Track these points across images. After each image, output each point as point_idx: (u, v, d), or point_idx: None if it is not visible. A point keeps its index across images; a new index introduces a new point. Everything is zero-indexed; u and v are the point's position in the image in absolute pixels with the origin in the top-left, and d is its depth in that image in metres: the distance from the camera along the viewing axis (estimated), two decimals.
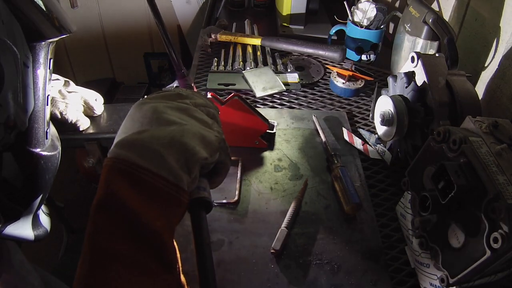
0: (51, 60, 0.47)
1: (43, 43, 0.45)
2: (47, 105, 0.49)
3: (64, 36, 0.47)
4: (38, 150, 0.48)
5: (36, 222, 0.53)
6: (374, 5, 1.11)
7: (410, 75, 0.76)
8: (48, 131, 0.50)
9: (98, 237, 0.36)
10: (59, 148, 0.54)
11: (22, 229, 0.50)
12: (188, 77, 0.62)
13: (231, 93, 0.81)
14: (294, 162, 0.84)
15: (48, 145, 0.51)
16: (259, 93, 1.02)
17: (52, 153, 0.51)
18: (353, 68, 1.08)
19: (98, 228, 0.36)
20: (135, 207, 0.37)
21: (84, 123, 0.76)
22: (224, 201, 0.74)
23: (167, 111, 0.44)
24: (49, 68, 0.47)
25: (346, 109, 1.02)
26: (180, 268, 0.40)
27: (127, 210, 0.36)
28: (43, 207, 0.55)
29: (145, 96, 0.47)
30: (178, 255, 0.41)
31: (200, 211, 0.43)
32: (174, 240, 0.40)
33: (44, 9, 0.44)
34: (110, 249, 0.35)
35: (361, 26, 1.14)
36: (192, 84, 0.63)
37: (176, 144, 0.41)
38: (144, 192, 0.38)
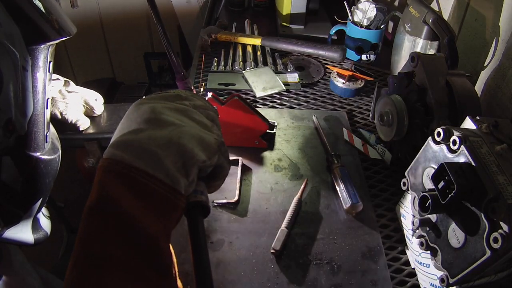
0: (51, 63, 0.47)
1: (43, 46, 0.44)
2: (47, 108, 0.48)
3: (64, 38, 0.46)
4: (37, 154, 0.48)
5: (36, 226, 0.53)
6: (374, 5, 1.11)
7: (410, 75, 0.76)
8: (48, 134, 0.50)
9: (91, 241, 0.35)
10: (60, 151, 0.54)
11: (22, 232, 0.50)
12: (187, 79, 0.62)
13: (231, 93, 0.81)
14: (294, 162, 0.84)
15: (48, 149, 0.50)
16: (259, 93, 1.02)
17: (52, 156, 0.51)
18: (353, 68, 1.08)
19: (91, 231, 0.35)
20: (130, 211, 0.36)
21: (84, 123, 0.76)
22: (224, 201, 0.74)
23: (165, 112, 0.43)
24: (49, 71, 0.47)
25: (346, 109, 1.02)
26: (177, 273, 0.39)
27: (121, 214, 0.35)
28: (43, 210, 0.55)
29: (144, 97, 0.47)
30: (174, 259, 0.40)
31: (197, 216, 0.42)
32: (170, 245, 0.39)
33: (44, 11, 0.43)
34: (103, 253, 0.34)
35: (361, 26, 1.14)
36: (192, 87, 0.63)
37: (174, 146, 0.40)
38: (139, 195, 0.37)
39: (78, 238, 0.35)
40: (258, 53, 1.19)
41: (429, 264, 0.61)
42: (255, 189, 0.78)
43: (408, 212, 0.69)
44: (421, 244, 0.59)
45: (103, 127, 0.78)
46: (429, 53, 0.96)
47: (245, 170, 0.81)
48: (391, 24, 1.37)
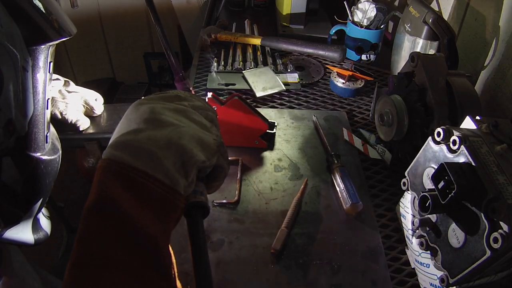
0: (51, 64, 0.47)
1: (43, 46, 0.44)
2: (47, 108, 0.48)
3: (64, 39, 0.46)
4: (38, 154, 0.48)
5: (36, 226, 0.53)
6: (374, 5, 1.11)
7: (410, 75, 0.76)
8: (48, 134, 0.50)
9: (90, 242, 0.35)
10: (60, 151, 0.54)
11: (22, 233, 0.50)
12: (186, 80, 0.62)
13: (231, 93, 0.81)
14: (294, 162, 0.84)
15: (48, 149, 0.50)
16: (259, 93, 1.02)
17: (52, 157, 0.51)
18: (353, 68, 1.08)
19: (90, 232, 0.35)
20: (129, 211, 0.35)
21: (84, 123, 0.76)
22: (224, 201, 0.74)
23: (164, 112, 0.43)
24: (49, 72, 0.47)
25: (346, 109, 1.02)
26: (176, 274, 0.39)
27: (121, 214, 0.35)
28: (43, 210, 0.55)
29: (143, 97, 0.47)
30: (174, 259, 0.40)
31: (197, 216, 0.42)
32: (169, 245, 0.39)
33: (44, 11, 0.43)
34: (102, 254, 0.34)
35: (361, 26, 1.14)
36: (191, 88, 0.63)
37: (173, 146, 0.40)
38: (139, 196, 0.37)
39: (77, 238, 0.35)
40: (258, 53, 1.19)
41: (429, 264, 0.61)
42: (255, 189, 0.78)
43: (408, 212, 0.69)
44: (421, 244, 0.59)
45: (103, 127, 0.78)
46: (429, 53, 0.96)
47: (245, 170, 0.81)
48: (391, 24, 1.37)
